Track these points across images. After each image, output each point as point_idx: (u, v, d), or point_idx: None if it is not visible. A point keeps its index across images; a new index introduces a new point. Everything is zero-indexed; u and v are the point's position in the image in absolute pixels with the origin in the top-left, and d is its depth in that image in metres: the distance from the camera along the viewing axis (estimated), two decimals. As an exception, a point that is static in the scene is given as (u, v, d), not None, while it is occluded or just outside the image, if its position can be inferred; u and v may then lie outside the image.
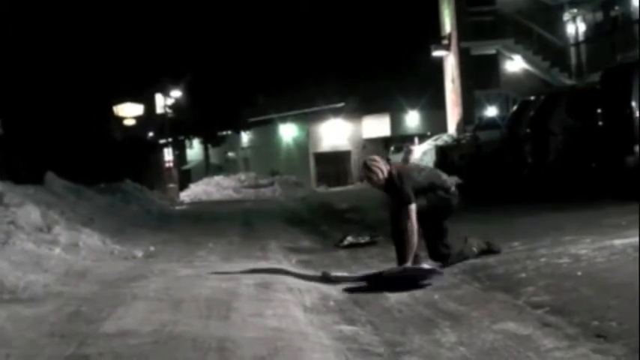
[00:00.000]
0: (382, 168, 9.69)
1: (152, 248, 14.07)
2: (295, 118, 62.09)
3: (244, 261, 11.89)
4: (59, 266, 10.58)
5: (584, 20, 42.40)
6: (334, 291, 9.14)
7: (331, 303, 8.46)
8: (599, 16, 41.23)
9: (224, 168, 64.51)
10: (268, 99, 62.87)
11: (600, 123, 17.50)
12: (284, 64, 60.66)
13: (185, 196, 43.22)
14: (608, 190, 15.87)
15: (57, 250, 11.87)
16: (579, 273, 8.21)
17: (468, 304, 7.85)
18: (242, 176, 49.17)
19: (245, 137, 68.77)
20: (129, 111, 56.66)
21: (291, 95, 59.91)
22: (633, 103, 16.19)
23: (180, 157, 62.20)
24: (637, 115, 16.13)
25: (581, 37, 42.72)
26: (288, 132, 62.83)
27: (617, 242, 9.32)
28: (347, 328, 7.28)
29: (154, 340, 6.47)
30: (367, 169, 9.81)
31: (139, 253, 13.16)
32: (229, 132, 67.65)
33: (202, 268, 10.91)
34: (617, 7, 39.02)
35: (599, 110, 17.64)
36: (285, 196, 38.76)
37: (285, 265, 11.58)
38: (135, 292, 8.67)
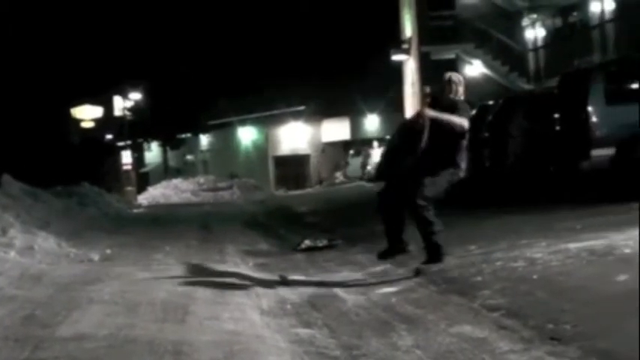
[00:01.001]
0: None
1: (109, 251, 13.98)
2: (255, 121, 61.97)
3: (202, 264, 11.86)
4: (14, 269, 10.51)
5: (543, 26, 42.67)
6: (291, 294, 9.14)
7: (288, 306, 8.46)
8: (558, 21, 41.51)
9: (183, 171, 64.25)
10: (228, 102, 62.66)
11: (557, 127, 17.63)
12: (244, 67, 60.52)
13: (143, 199, 43.02)
14: (565, 194, 15.98)
15: (12, 254, 11.79)
16: (535, 276, 8.26)
17: (425, 307, 7.87)
18: (201, 179, 49.05)
19: (204, 140, 68.53)
20: (87, 113, 56.36)
21: (252, 98, 59.76)
22: (589, 108, 16.31)
23: (138, 159, 61.86)
24: (593, 120, 16.26)
25: (539, 43, 42.98)
26: (247, 135, 62.70)
27: (572, 246, 9.38)
28: (303, 332, 7.27)
29: (109, 343, 6.44)
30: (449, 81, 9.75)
31: (96, 257, 13.08)
32: (188, 135, 67.39)
33: (159, 271, 10.86)
34: (575, 13, 39.32)
35: (556, 115, 17.77)
36: (244, 200, 38.72)
37: (242, 269, 11.57)
38: (91, 296, 8.62)
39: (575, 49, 37.64)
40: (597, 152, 15.98)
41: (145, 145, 69.89)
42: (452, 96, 9.66)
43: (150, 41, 56.15)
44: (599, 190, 15.93)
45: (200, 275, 10.13)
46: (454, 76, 9.88)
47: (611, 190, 15.49)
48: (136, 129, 58.56)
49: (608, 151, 15.71)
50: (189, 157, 70.92)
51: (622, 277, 7.38)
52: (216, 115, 63.63)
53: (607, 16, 35.28)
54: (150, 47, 56.16)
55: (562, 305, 6.92)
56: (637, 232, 9.71)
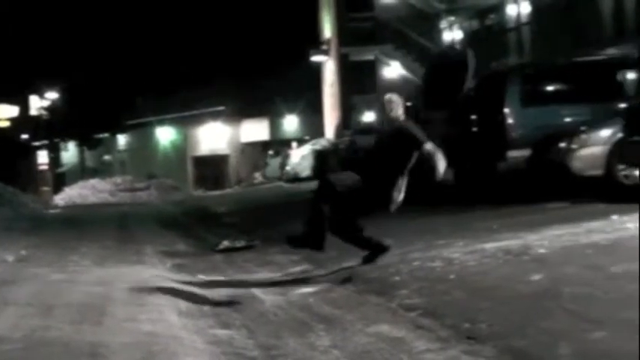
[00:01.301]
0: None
1: (23, 252, 13.80)
2: (174, 121, 61.58)
3: (119, 265, 11.77)
4: None
5: (461, 28, 43.13)
6: (209, 295, 9.11)
7: (206, 307, 8.43)
8: (475, 24, 41.99)
9: (100, 171, 63.57)
10: (147, 101, 62.21)
11: (475, 129, 17.81)
12: (163, 66, 60.12)
13: (60, 199, 42.51)
14: (482, 194, 16.17)
15: None
16: (452, 276, 8.34)
17: (342, 307, 7.90)
18: (118, 179, 48.63)
19: (122, 140, 67.92)
20: (2, 112, 55.41)
21: (170, 98, 59.42)
22: (506, 110, 16.53)
23: (55, 159, 61.06)
24: (509, 121, 16.47)
25: (457, 45, 43.42)
26: (166, 135, 62.28)
27: (488, 246, 9.50)
28: (222, 332, 7.25)
29: (25, 345, 6.35)
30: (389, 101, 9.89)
31: (10, 258, 12.90)
32: (106, 135, 66.76)
33: (75, 272, 10.75)
34: (492, 16, 39.80)
35: (473, 116, 17.96)
36: (162, 200, 38.45)
37: (160, 270, 11.50)
38: (5, 297, 8.50)
39: (492, 51, 38.12)
40: (513, 153, 16.20)
41: (62, 145, 69.03)
42: (393, 115, 9.78)
43: (67, 40, 55.45)
44: (515, 190, 16.17)
45: (117, 276, 10.04)
46: (394, 96, 10.04)
47: (527, 190, 15.73)
48: (52, 129, 57.82)
49: (524, 153, 15.93)
50: (106, 157, 70.21)
51: (536, 277, 7.50)
52: (135, 114, 63.13)
53: (523, 19, 35.78)
54: (67, 46, 55.45)
55: (478, 304, 7.00)
56: (551, 232, 9.89)
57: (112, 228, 20.12)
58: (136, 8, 59.29)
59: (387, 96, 10.10)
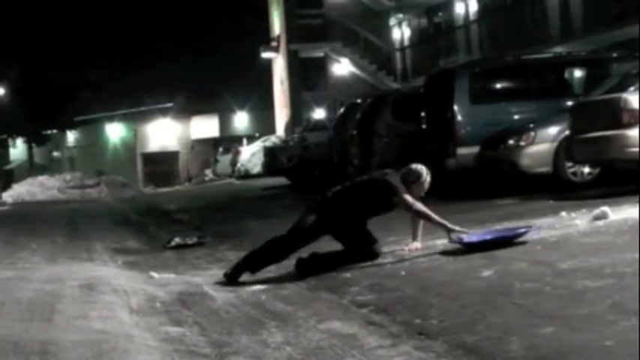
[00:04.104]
0: None
1: (-29, 250, 13.66)
2: (123, 118, 61.23)
3: (69, 262, 11.69)
4: None
5: (409, 26, 43.32)
6: (161, 292, 9.07)
7: (158, 304, 8.40)
8: (424, 22, 42.21)
9: (49, 168, 62.98)
10: (96, 98, 61.80)
11: (424, 126, 17.92)
12: (111, 63, 59.72)
13: (8, 196, 41.98)
14: (431, 191, 16.25)
15: None
16: (403, 273, 8.40)
17: (295, 303, 7.92)
18: (67, 176, 48.16)
19: (71, 136, 67.38)
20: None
21: (120, 95, 59.08)
22: (455, 107, 16.65)
23: (2, 156, 60.47)
24: (458, 119, 16.60)
25: (406, 42, 43.63)
26: (115, 131, 61.85)
27: (439, 242, 9.57)
28: (173, 330, 7.23)
29: (-28, 344, 6.28)
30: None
31: (-42, 255, 12.76)
32: (55, 131, 66.19)
33: (25, 269, 10.67)
34: (440, 14, 40.03)
35: (423, 114, 18.07)
36: (112, 197, 38.18)
37: (111, 267, 11.44)
38: (-47, 296, 8.41)
39: (441, 49, 38.41)
40: (462, 151, 16.33)
41: (10, 142, 68.36)
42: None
43: (11, 35, 54.81)
44: (464, 187, 16.31)
45: (67, 274, 9.97)
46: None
47: (476, 187, 15.87)
48: (-1, 125, 57.32)
49: (472, 150, 16.06)
50: (55, 153, 69.64)
51: (487, 273, 7.57)
52: (84, 110, 62.69)
53: (471, 17, 36.03)
54: (12, 42, 54.81)
55: (429, 300, 7.06)
56: (500, 229, 9.97)
57: (62, 225, 19.97)
58: (84, 4, 58.88)
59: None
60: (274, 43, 47.64)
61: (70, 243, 15.25)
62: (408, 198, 9.28)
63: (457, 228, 9.15)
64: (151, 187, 51.02)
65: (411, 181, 9.48)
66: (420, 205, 9.30)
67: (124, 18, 59.86)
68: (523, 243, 8.71)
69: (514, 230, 9.17)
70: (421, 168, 9.66)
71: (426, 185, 9.65)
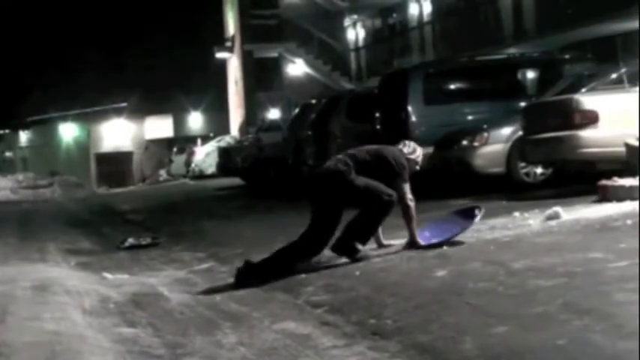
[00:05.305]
0: None
1: None
2: (76, 118, 60.75)
3: (21, 263, 11.59)
4: None
5: (364, 26, 43.44)
6: (114, 293, 9.03)
7: (111, 305, 8.35)
8: (378, 22, 42.35)
9: (1, 168, 62.43)
10: (49, 98, 61.30)
11: (378, 126, 17.97)
12: (65, 63, 59.33)
13: (-41, 197, 41.63)
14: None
15: None
16: (357, 273, 8.42)
17: (249, 304, 7.91)
18: (20, 176, 47.79)
19: (24, 137, 66.81)
20: None
21: (73, 95, 58.65)
22: (409, 108, 16.72)
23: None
24: (412, 119, 16.67)
25: (360, 43, 43.74)
26: (68, 132, 61.37)
27: (393, 242, 9.60)
28: (127, 331, 7.20)
29: None
30: None
31: None
32: (7, 131, 65.61)
33: (-24, 271, 10.55)
34: (394, 15, 40.18)
35: (377, 114, 18.11)
36: (65, 198, 37.91)
37: (63, 268, 11.36)
38: None
39: (395, 49, 38.54)
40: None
41: (-39, 142, 67.74)
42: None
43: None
44: (417, 188, 16.33)
45: (20, 275, 9.88)
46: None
47: (430, 188, 15.92)
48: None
49: (426, 150, 16.12)
50: (7, 153, 69.03)
51: (441, 273, 7.60)
52: (37, 110, 62.16)
53: (425, 18, 36.19)
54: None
55: (384, 300, 7.08)
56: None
57: (13, 225, 19.79)
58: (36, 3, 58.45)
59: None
60: (229, 44, 47.60)
61: (23, 244, 15.12)
62: (407, 190, 9.37)
63: (422, 243, 9.17)
64: (104, 187, 50.69)
65: (408, 153, 9.51)
66: (411, 203, 9.31)
67: (77, 17, 59.46)
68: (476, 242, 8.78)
69: (465, 223, 9.30)
70: (414, 143, 9.82)
71: (420, 160, 9.76)
